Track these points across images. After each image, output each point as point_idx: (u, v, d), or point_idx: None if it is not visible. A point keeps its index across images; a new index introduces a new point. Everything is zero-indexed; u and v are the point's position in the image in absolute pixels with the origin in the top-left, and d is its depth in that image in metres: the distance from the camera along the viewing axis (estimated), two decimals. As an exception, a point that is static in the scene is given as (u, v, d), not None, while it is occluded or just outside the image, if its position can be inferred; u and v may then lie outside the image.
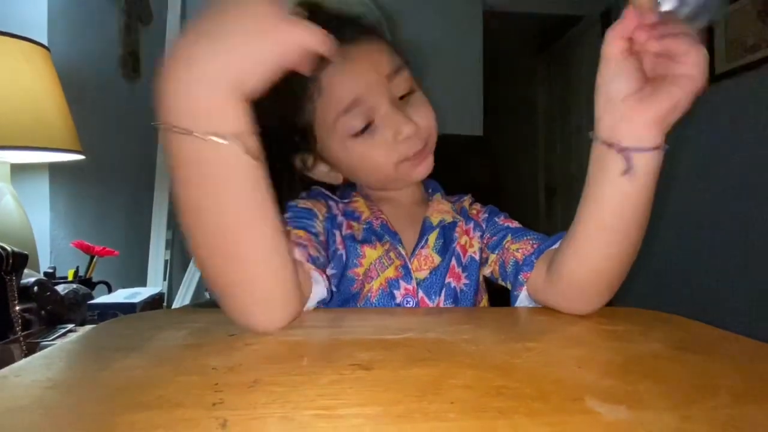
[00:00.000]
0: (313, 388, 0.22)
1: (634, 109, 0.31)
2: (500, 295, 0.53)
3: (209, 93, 0.26)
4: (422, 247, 0.51)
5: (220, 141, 0.26)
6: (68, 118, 0.95)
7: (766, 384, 0.25)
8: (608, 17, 2.22)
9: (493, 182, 1.79)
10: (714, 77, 1.61)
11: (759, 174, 1.48)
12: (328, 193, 0.55)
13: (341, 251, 0.49)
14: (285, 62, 0.27)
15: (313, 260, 0.40)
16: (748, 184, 1.52)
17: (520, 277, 0.45)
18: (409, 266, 0.49)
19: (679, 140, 1.75)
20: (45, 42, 1.09)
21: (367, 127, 0.47)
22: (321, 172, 0.54)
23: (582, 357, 0.29)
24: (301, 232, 0.44)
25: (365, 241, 0.49)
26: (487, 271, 0.53)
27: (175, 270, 1.76)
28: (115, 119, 1.44)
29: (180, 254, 1.84)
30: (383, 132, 0.47)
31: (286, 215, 0.47)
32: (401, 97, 0.49)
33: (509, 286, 0.49)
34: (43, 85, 0.91)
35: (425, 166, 0.50)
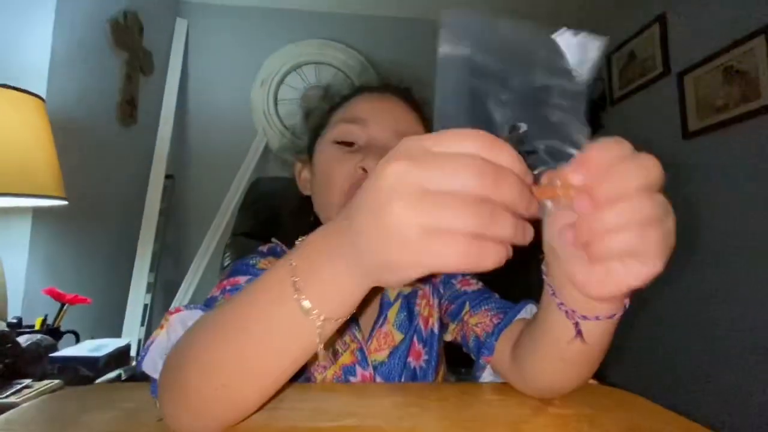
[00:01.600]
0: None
1: (579, 281, 0.25)
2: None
3: (352, 288, 0.24)
4: (381, 326, 0.49)
5: (318, 323, 0.24)
6: (55, 165, 0.96)
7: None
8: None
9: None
10: (687, 134, 1.68)
11: (734, 236, 1.51)
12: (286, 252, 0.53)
13: None
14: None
15: None
16: (724, 248, 1.54)
17: (481, 360, 0.44)
18: (365, 350, 0.47)
19: None
20: (44, 89, 1.14)
21: (351, 145, 0.49)
22: (304, 178, 0.57)
23: (518, 453, 0.28)
24: None
25: None
26: (449, 338, 0.52)
27: (156, 313, 1.73)
28: (105, 163, 1.46)
29: (161, 296, 1.81)
30: (355, 155, 0.48)
31: (245, 279, 0.45)
32: None
33: (472, 356, 0.48)
34: (33, 134, 0.94)
35: None
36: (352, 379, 0.46)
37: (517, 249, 0.22)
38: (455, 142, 0.20)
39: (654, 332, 1.83)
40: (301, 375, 0.46)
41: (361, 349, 0.47)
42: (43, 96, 0.97)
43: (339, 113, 0.54)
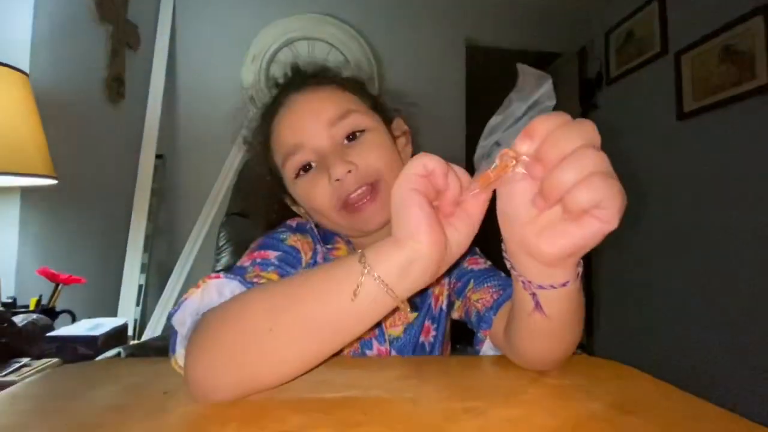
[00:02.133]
0: (229, 463, 0.22)
1: (532, 243, 0.27)
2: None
3: (405, 269, 0.29)
4: None
5: (398, 300, 0.29)
6: (42, 143, 0.94)
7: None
8: (584, 55, 2.32)
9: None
10: (682, 114, 1.68)
11: (727, 212, 1.53)
12: (316, 232, 0.53)
13: None
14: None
15: None
16: (717, 224, 1.56)
17: (480, 334, 0.45)
18: (383, 326, 0.48)
19: (645, 180, 1.80)
20: (27, 65, 1.09)
21: (310, 167, 0.48)
22: (302, 211, 0.55)
23: (517, 419, 0.29)
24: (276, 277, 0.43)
25: None
26: (455, 315, 0.53)
27: (150, 294, 1.72)
28: (94, 141, 1.43)
29: (156, 277, 1.81)
30: (320, 173, 0.47)
31: (275, 254, 0.46)
32: (351, 139, 0.48)
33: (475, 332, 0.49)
34: (18, 110, 0.91)
35: (371, 210, 0.47)
36: (368, 352, 0.47)
37: None
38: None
39: (662, 313, 1.87)
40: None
41: (379, 325, 0.48)
42: (27, 72, 0.93)
43: (273, 150, 0.52)
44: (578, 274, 0.30)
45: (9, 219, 1.09)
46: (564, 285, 0.29)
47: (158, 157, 1.75)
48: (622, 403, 0.32)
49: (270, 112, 0.52)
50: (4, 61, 0.88)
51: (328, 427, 0.26)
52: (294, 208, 0.56)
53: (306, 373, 0.32)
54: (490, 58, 2.27)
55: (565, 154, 0.24)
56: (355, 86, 0.53)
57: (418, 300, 0.51)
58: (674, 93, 1.71)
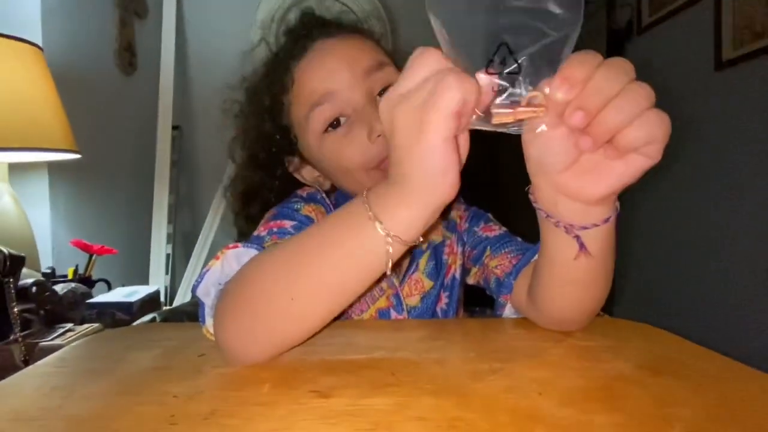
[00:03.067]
0: (267, 421, 0.23)
1: (574, 187, 0.27)
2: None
3: (415, 218, 0.28)
4: (413, 272, 0.50)
5: (396, 244, 0.28)
6: (63, 118, 0.95)
7: (724, 410, 0.25)
8: (614, 2, 2.15)
9: (493, 173, 1.78)
10: (720, 64, 1.56)
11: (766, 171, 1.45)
12: (327, 201, 0.51)
13: None
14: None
15: None
16: (755, 183, 1.48)
17: (501, 299, 0.45)
18: (401, 296, 0.48)
19: (681, 136, 1.70)
20: (39, 40, 1.09)
21: (339, 123, 0.45)
22: (309, 175, 0.53)
23: (545, 380, 0.29)
24: None
25: None
26: (471, 280, 0.53)
27: (178, 263, 1.79)
28: (111, 114, 1.44)
29: (182, 247, 1.87)
30: (356, 128, 0.44)
31: (291, 224, 0.45)
32: (380, 95, 0.45)
33: (494, 297, 0.49)
34: (36, 85, 0.91)
35: None
36: None
37: None
38: (418, 67, 0.25)
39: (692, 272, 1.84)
40: (342, 316, 0.48)
41: (396, 294, 0.48)
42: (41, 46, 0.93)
43: (292, 95, 0.47)
44: (617, 208, 0.30)
45: (40, 194, 1.13)
46: (606, 221, 0.29)
47: (175, 128, 1.75)
48: (651, 364, 0.32)
49: (291, 58, 0.47)
50: (17, 36, 0.88)
51: (358, 387, 0.27)
52: (298, 175, 0.53)
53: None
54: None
55: (610, 98, 0.23)
56: (378, 41, 0.50)
57: (433, 270, 0.51)
58: (712, 41, 1.58)
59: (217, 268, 0.37)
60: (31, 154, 0.96)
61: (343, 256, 0.29)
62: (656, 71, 1.89)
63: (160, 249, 1.58)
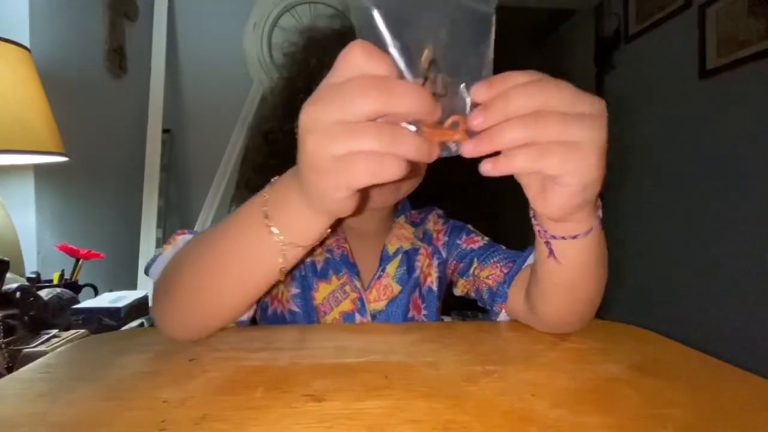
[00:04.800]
0: (259, 425, 0.23)
1: (537, 202, 0.28)
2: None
3: (310, 220, 0.28)
4: (380, 278, 0.51)
5: (287, 248, 0.29)
6: (51, 120, 0.94)
7: (715, 411, 0.25)
8: (601, 11, 2.20)
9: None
10: (705, 72, 1.60)
11: (751, 174, 1.48)
12: None
13: (303, 273, 0.49)
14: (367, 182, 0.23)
15: None
16: (740, 185, 1.52)
17: (496, 307, 0.45)
18: (365, 299, 0.49)
19: (667, 141, 1.74)
20: (27, 41, 1.07)
21: None
22: None
23: (538, 383, 0.29)
24: None
25: (322, 276, 0.49)
26: (459, 292, 0.53)
27: (167, 268, 1.77)
28: (100, 117, 1.42)
29: (172, 252, 1.84)
30: None
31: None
32: None
33: (487, 308, 0.49)
34: (23, 86, 0.90)
35: (384, 196, 0.47)
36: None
37: None
38: (344, 65, 0.22)
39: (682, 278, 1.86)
40: (309, 319, 0.49)
41: (360, 299, 0.49)
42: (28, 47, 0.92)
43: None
44: (591, 228, 0.30)
45: (25, 197, 1.11)
46: (574, 238, 0.30)
47: (165, 131, 1.74)
48: (642, 365, 0.32)
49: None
50: (5, 37, 0.87)
51: (352, 390, 0.27)
52: None
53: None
54: (500, 15, 2.17)
55: (510, 116, 0.23)
56: None
57: (404, 275, 0.51)
58: (697, 50, 1.62)
59: (169, 253, 0.39)
60: (17, 156, 0.94)
61: (237, 256, 0.31)
62: (643, 78, 1.93)
63: (149, 253, 1.56)
